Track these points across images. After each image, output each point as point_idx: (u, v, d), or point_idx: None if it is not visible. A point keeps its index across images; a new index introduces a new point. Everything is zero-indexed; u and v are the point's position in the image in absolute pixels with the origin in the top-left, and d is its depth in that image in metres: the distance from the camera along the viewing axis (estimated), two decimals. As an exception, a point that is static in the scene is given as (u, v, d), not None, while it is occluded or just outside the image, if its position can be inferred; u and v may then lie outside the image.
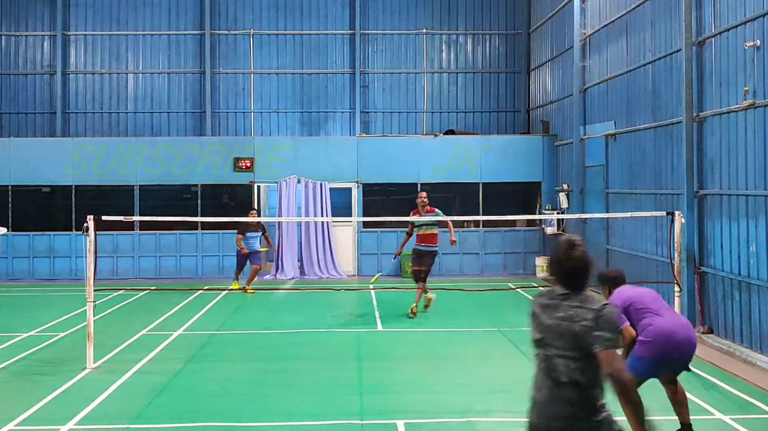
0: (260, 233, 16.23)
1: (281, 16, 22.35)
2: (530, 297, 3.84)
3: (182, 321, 12.75)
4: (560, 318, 4.02)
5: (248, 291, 15.94)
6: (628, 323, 6.57)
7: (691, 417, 7.51)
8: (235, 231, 19.04)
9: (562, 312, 4.03)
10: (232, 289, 15.93)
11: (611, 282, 7.00)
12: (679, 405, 6.85)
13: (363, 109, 22.35)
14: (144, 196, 19.28)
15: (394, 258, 14.95)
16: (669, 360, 6.53)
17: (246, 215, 16.37)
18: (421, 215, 12.98)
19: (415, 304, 13.05)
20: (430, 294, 13.30)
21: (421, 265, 13.01)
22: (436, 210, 13.03)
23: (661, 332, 6.45)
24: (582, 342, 3.92)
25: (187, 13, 22.25)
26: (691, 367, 6.93)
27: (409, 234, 13.37)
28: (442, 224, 13.28)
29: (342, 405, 7.87)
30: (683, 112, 11.69)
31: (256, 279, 16.65)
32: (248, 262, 16.25)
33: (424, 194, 13.27)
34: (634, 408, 4.22)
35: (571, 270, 4.10)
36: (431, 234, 13.06)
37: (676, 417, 6.91)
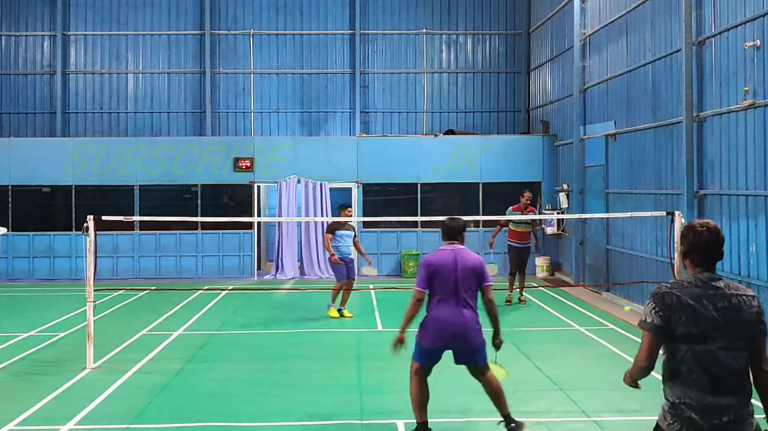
0: (352, 234, 13.13)
1: (281, 16, 22.35)
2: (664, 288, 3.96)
3: (182, 321, 12.75)
4: (725, 308, 3.85)
5: (345, 314, 13.13)
6: (422, 288, 6.71)
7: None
8: (235, 231, 19.17)
9: (724, 301, 3.87)
10: (344, 315, 13.11)
11: (444, 231, 7.08)
12: (494, 396, 6.83)
13: (363, 109, 22.35)
14: (144, 195, 19.28)
15: (491, 248, 15.25)
16: (439, 351, 6.77)
17: None
18: (523, 213, 14.36)
19: (510, 293, 14.54)
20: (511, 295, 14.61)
21: (520, 263, 14.43)
22: (535, 210, 14.29)
23: (434, 322, 6.67)
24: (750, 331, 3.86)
25: (187, 13, 22.26)
26: (490, 362, 6.85)
27: (502, 226, 14.80)
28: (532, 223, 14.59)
29: (342, 405, 7.88)
30: (683, 112, 11.69)
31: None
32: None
33: (529, 194, 14.69)
34: None
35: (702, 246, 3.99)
36: (527, 232, 14.50)
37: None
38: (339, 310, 13.14)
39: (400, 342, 6.67)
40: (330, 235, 12.88)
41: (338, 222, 13.03)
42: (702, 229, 3.97)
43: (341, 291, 13.14)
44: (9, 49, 22.32)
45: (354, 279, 13.43)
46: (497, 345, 6.86)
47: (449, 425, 7.27)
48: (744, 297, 3.88)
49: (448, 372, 9.31)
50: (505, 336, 11.43)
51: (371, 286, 16.53)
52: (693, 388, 3.84)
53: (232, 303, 14.93)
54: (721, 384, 3.82)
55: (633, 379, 4.16)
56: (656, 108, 13.22)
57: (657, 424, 4.05)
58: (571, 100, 17.67)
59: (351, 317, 13.11)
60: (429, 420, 7.36)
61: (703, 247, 3.95)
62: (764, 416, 3.96)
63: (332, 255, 12.82)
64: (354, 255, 13.79)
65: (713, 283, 3.91)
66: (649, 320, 3.90)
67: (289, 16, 22.37)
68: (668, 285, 3.97)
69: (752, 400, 3.87)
